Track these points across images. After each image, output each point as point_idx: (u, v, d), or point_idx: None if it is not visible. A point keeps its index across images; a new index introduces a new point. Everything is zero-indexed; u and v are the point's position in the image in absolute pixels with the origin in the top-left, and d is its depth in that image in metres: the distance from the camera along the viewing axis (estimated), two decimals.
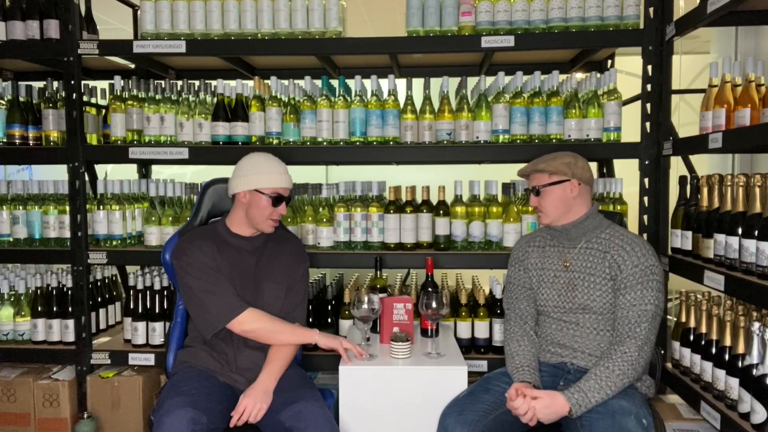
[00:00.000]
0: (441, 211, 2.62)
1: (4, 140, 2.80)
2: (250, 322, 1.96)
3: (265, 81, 2.78)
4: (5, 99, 2.84)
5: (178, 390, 1.88)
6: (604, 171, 3.12)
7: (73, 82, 2.66)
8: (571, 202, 1.98)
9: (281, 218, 2.15)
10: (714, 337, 2.01)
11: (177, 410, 1.74)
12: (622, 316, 1.86)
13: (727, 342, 1.92)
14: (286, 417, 1.83)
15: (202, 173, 5.29)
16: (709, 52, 5.05)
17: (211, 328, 1.96)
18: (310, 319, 2.67)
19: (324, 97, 2.66)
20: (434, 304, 2.14)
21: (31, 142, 2.83)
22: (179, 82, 2.85)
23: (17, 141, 2.80)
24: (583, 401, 1.74)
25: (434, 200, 2.66)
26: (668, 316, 2.61)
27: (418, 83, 2.68)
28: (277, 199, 2.05)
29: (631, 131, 2.57)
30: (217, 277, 1.99)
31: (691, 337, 2.14)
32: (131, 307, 2.75)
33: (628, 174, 2.74)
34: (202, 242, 2.05)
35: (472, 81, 2.91)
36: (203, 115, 2.69)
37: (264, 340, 2.00)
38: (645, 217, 2.53)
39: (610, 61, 3.06)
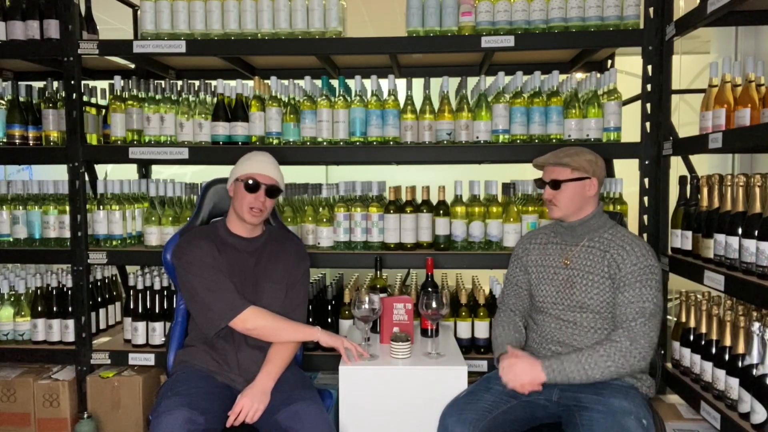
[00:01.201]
0: (441, 211, 2.62)
1: (4, 140, 2.80)
2: (252, 320, 1.96)
3: (265, 81, 2.78)
4: (5, 99, 2.84)
5: (176, 390, 1.88)
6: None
7: (73, 82, 2.66)
8: (586, 199, 1.99)
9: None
10: (714, 337, 2.01)
11: (173, 410, 1.74)
12: (621, 313, 1.87)
13: (727, 342, 1.92)
14: (283, 417, 1.83)
15: (202, 173, 5.29)
16: (709, 52, 5.06)
17: (214, 327, 1.96)
18: (311, 319, 2.66)
19: (324, 97, 2.66)
20: (434, 304, 2.14)
21: (31, 142, 2.83)
22: (179, 82, 2.85)
23: (17, 141, 2.80)
24: (558, 367, 1.80)
25: (434, 200, 2.66)
26: (668, 316, 2.62)
27: (418, 83, 2.68)
28: (251, 186, 2.03)
29: (631, 131, 2.57)
30: (218, 275, 1.99)
31: (691, 337, 2.14)
32: (131, 307, 2.75)
33: (628, 174, 2.74)
34: (202, 241, 2.05)
35: (472, 81, 2.91)
36: (203, 115, 2.69)
37: (266, 338, 2.00)
38: (645, 217, 2.53)
39: (610, 61, 3.06)
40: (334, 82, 2.89)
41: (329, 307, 2.74)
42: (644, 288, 1.86)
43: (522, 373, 1.81)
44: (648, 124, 2.51)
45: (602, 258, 1.94)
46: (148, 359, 2.69)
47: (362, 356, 2.06)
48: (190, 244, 2.04)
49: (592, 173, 1.97)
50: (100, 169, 3.29)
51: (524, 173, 3.71)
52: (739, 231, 1.85)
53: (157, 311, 2.73)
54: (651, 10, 2.46)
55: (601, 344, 1.83)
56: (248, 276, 2.08)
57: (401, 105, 2.63)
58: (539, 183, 2.07)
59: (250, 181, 2.04)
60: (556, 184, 1.99)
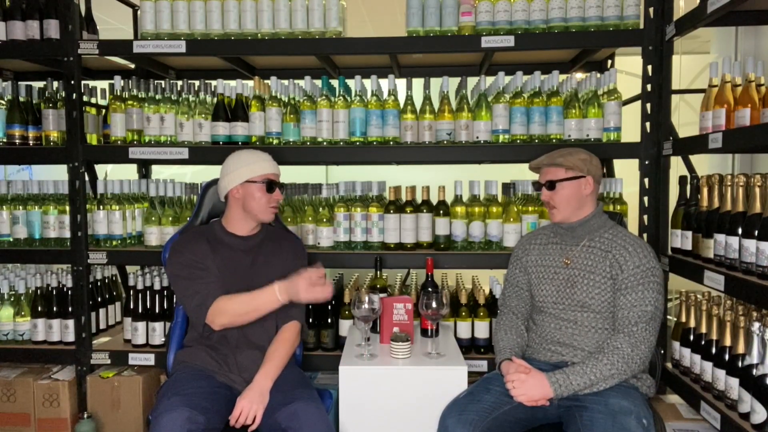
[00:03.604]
0: (441, 211, 2.62)
1: (4, 140, 2.80)
2: (220, 316, 1.95)
3: (265, 81, 2.78)
4: (5, 99, 2.84)
5: (176, 390, 1.88)
6: (604, 171, 3.12)
7: (73, 82, 2.66)
8: (583, 199, 2.00)
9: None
10: (714, 337, 2.01)
11: (173, 410, 1.75)
12: (623, 316, 1.87)
13: (727, 342, 1.92)
14: (281, 417, 1.83)
15: (202, 173, 5.29)
16: (709, 52, 5.06)
17: (198, 326, 2.02)
18: (310, 320, 2.67)
19: (324, 97, 2.66)
20: (434, 304, 2.14)
21: (31, 142, 2.83)
22: (179, 82, 2.85)
23: (17, 141, 2.79)
24: (564, 381, 1.79)
25: (434, 200, 2.66)
26: (668, 316, 2.61)
27: (418, 83, 2.68)
28: (269, 185, 2.07)
29: (631, 131, 2.57)
30: (200, 276, 2.00)
31: (691, 337, 2.14)
32: (131, 307, 2.75)
33: (628, 174, 2.74)
34: (195, 242, 2.06)
35: (472, 81, 2.91)
36: (203, 115, 2.69)
37: (242, 323, 1.99)
38: (645, 217, 2.53)
39: (610, 61, 3.06)
40: (334, 82, 2.89)
41: (329, 307, 2.73)
42: (646, 291, 1.87)
43: (533, 389, 1.81)
44: (648, 124, 2.51)
45: (604, 258, 1.95)
46: (148, 359, 2.69)
47: (320, 274, 2.00)
48: (182, 246, 2.06)
49: (587, 172, 1.98)
50: (100, 169, 3.29)
51: (524, 173, 3.69)
52: (739, 231, 1.85)
53: (157, 311, 2.73)
54: (651, 10, 2.46)
55: (603, 353, 1.83)
56: (244, 275, 2.07)
57: (401, 105, 2.63)
58: (536, 186, 2.08)
59: (271, 182, 2.07)
60: (551, 185, 2.00)
